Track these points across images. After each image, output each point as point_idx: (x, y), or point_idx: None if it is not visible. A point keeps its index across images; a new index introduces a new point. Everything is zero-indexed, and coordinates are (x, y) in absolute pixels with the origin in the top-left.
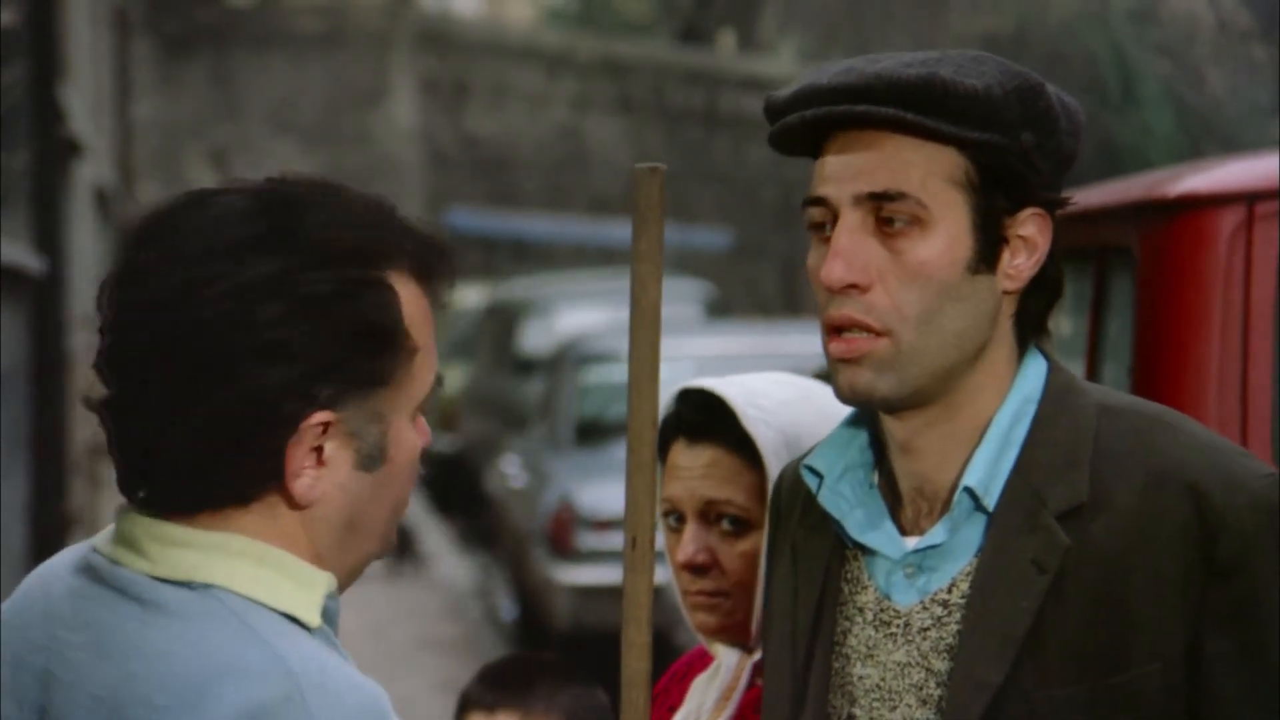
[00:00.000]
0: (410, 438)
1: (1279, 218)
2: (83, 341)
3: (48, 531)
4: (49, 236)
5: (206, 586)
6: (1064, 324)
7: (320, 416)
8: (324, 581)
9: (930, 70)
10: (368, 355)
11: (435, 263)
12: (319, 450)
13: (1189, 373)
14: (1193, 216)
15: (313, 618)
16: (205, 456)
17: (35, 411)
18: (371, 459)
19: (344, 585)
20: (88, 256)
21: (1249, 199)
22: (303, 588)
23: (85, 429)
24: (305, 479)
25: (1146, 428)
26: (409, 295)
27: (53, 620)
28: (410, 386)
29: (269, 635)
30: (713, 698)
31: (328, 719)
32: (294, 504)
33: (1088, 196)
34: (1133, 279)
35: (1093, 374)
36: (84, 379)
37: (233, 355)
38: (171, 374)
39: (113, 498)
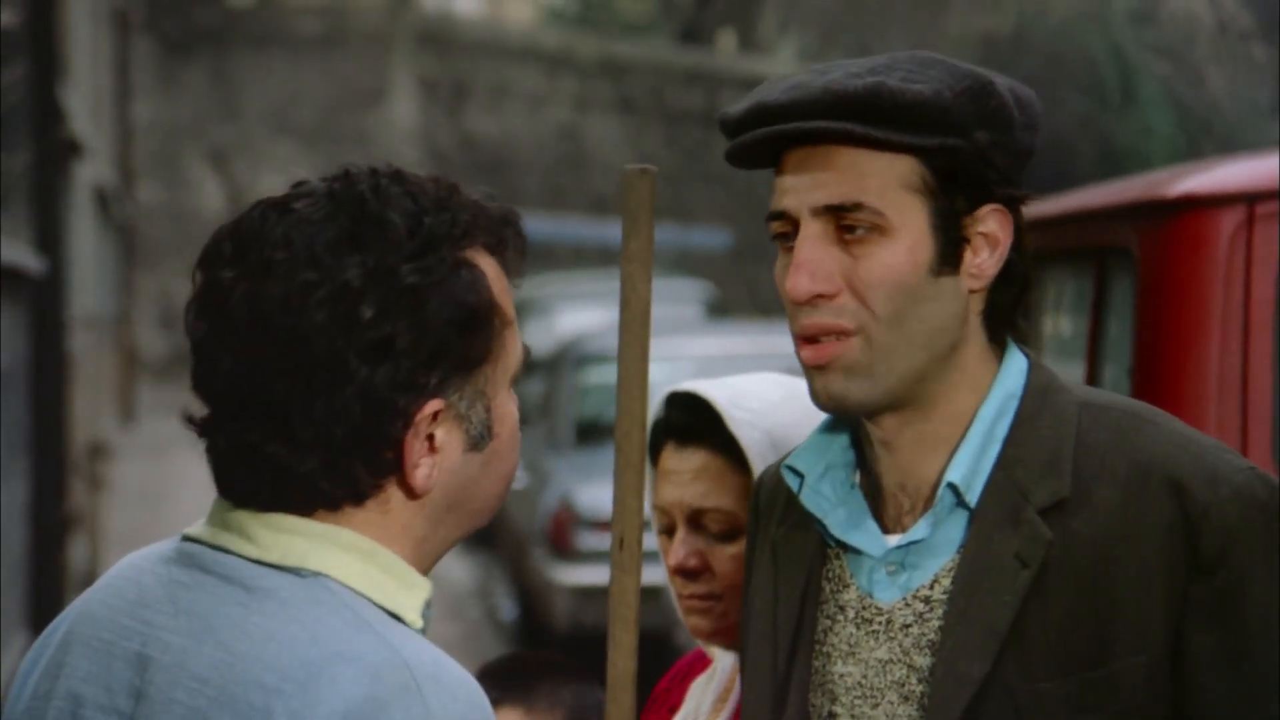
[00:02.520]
0: (511, 410)
1: (1279, 218)
2: (83, 342)
3: (48, 532)
4: (49, 237)
5: (315, 574)
6: (1064, 324)
7: (432, 405)
8: (425, 587)
9: (877, 80)
10: (467, 337)
11: (506, 235)
12: (430, 438)
13: (1189, 373)
14: (1193, 217)
15: (415, 619)
16: (322, 461)
17: (35, 411)
18: (480, 438)
19: (439, 559)
20: (88, 257)
21: (1249, 199)
22: (406, 589)
23: (85, 429)
24: (423, 468)
25: (1128, 424)
26: (490, 270)
27: (146, 607)
28: (505, 360)
29: (380, 627)
30: (709, 700)
31: (443, 711)
32: (411, 494)
33: (1087, 197)
34: (1133, 279)
35: (1093, 375)
36: (84, 379)
37: (342, 357)
38: (282, 383)
39: (113, 498)
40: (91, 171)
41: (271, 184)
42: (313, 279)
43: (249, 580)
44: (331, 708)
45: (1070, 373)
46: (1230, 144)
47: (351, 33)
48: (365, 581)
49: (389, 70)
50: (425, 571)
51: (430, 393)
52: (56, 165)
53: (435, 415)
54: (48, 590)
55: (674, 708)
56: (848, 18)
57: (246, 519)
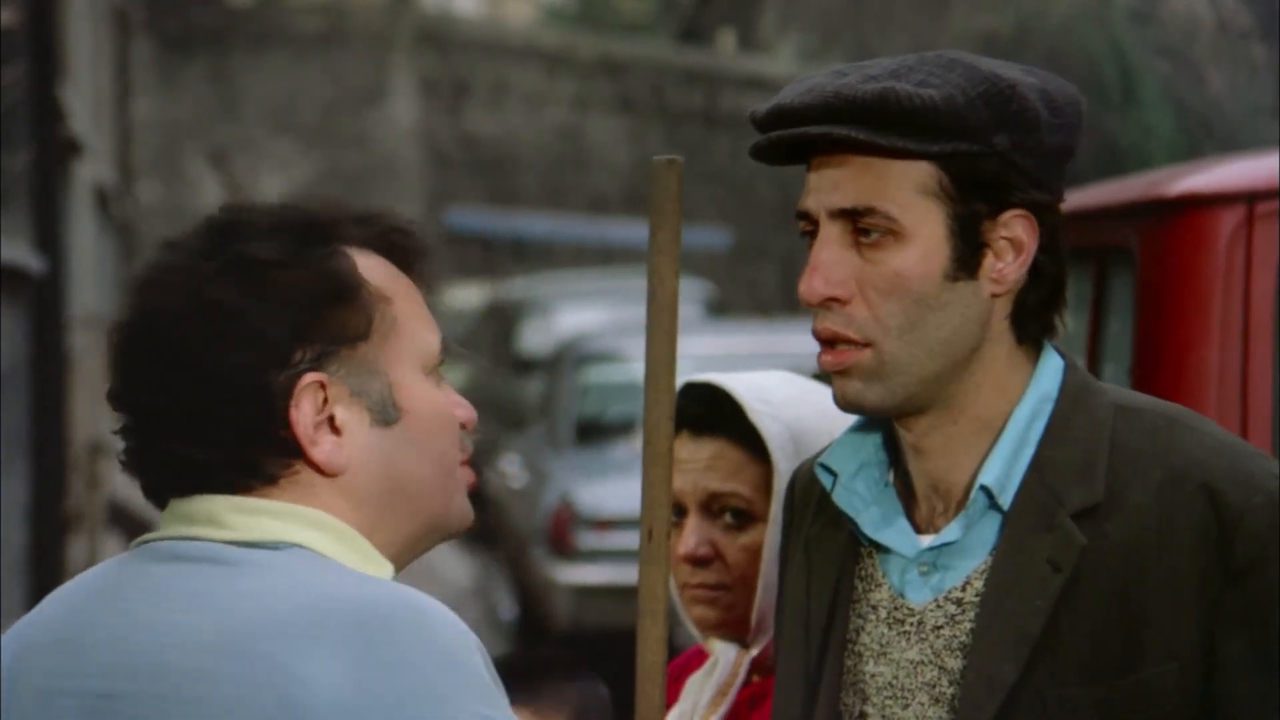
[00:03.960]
0: (427, 391)
1: (1279, 217)
2: (83, 341)
3: (48, 531)
4: (49, 236)
5: (292, 545)
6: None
7: (310, 378)
8: (389, 569)
9: (886, 85)
10: (332, 310)
11: (399, 240)
12: (332, 419)
13: (1189, 373)
14: (1193, 216)
15: None
16: (216, 447)
17: (35, 411)
18: (384, 412)
19: (407, 558)
20: (88, 256)
21: (1249, 199)
22: (373, 565)
23: (85, 429)
24: (326, 446)
25: (1164, 427)
26: (374, 264)
27: (112, 597)
28: (399, 340)
29: (366, 574)
30: (708, 694)
31: (446, 631)
32: (323, 473)
33: (1087, 196)
34: (1132, 279)
35: (1092, 374)
36: (84, 379)
37: (200, 343)
38: (159, 379)
39: (111, 497)
40: (91, 170)
41: (271, 183)
42: (169, 274)
43: (228, 557)
44: (335, 641)
45: None
46: (1230, 143)
47: (351, 31)
48: (337, 553)
49: (389, 69)
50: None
51: (304, 367)
52: (56, 164)
53: (323, 393)
54: (48, 590)
55: (667, 706)
56: (848, 17)
57: (217, 508)
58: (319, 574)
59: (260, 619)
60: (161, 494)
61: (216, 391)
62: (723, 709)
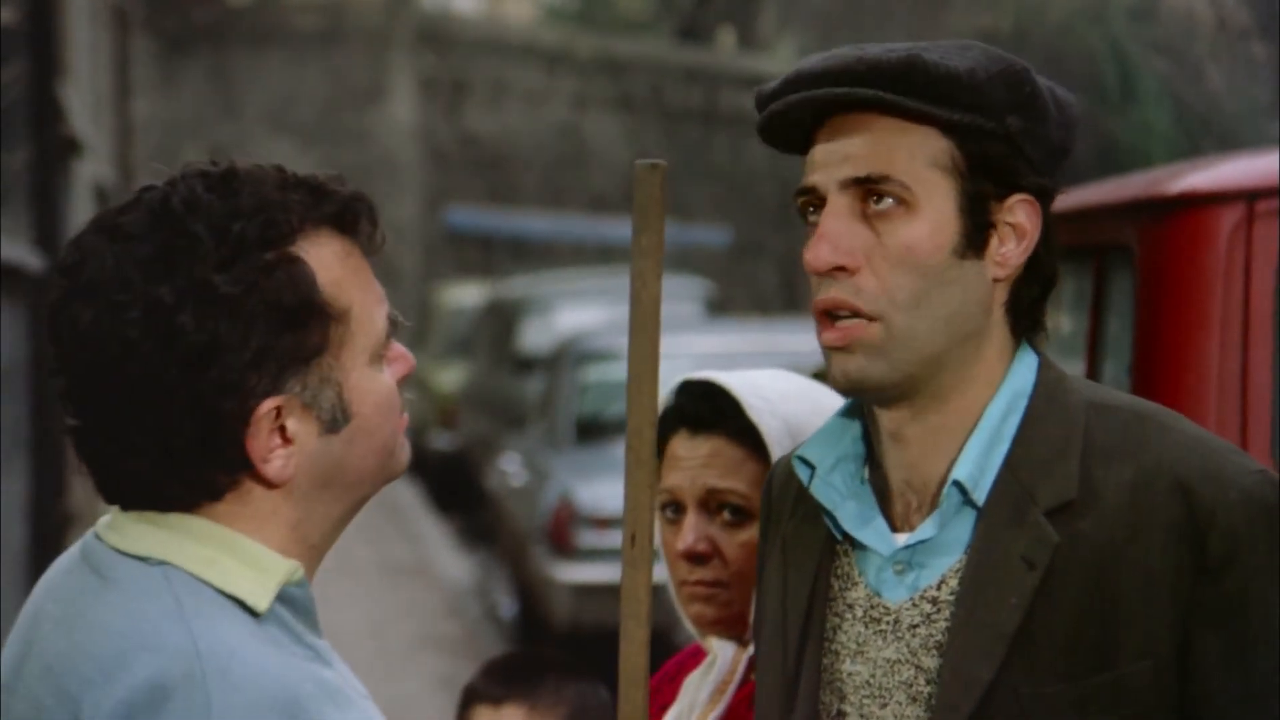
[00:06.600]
0: (374, 384)
1: (1279, 215)
2: None
3: (48, 531)
4: (49, 235)
5: (161, 563)
6: (1064, 323)
7: (268, 404)
8: (282, 569)
9: (912, 53)
10: (292, 336)
11: (349, 211)
12: (282, 430)
13: (1189, 371)
14: (1192, 214)
15: (259, 603)
16: (166, 468)
17: (35, 411)
18: (334, 421)
19: (344, 526)
20: None
21: (1249, 197)
22: (257, 573)
23: None
24: (276, 461)
25: (1137, 425)
26: (327, 254)
27: (45, 592)
28: (353, 342)
29: (192, 614)
30: (706, 692)
31: (224, 701)
32: (269, 485)
33: (1087, 195)
34: (1132, 277)
35: (1093, 372)
36: None
37: (164, 371)
38: (113, 399)
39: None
40: (91, 169)
41: None
42: (123, 300)
43: (106, 569)
44: (120, 697)
45: (1070, 371)
46: (1230, 141)
47: (350, 30)
48: (209, 568)
49: (388, 68)
50: (317, 547)
51: (263, 393)
52: (56, 163)
53: (278, 411)
54: None
55: (664, 706)
56: (847, 15)
57: (126, 514)
58: (150, 612)
59: (84, 659)
60: (116, 502)
61: (170, 414)
62: (720, 708)
